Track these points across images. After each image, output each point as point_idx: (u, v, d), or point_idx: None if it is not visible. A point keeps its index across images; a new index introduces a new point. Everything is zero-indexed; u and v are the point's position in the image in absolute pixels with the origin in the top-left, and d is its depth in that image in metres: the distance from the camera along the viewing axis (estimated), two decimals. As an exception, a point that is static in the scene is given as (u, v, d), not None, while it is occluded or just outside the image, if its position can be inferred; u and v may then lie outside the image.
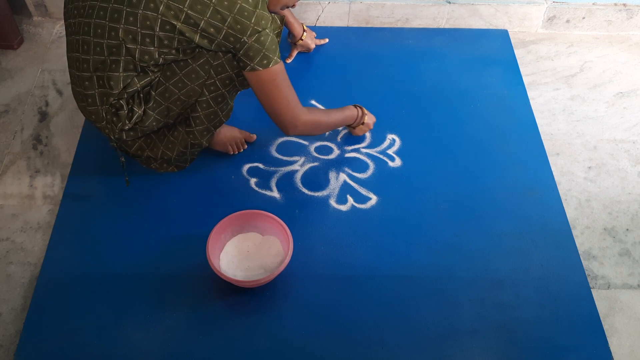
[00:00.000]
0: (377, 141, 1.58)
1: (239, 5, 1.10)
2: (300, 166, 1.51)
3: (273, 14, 1.25)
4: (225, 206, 1.39)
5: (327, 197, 1.45)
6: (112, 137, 1.28)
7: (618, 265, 1.37)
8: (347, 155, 1.54)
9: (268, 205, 1.42)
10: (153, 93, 1.23)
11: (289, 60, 1.76)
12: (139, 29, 1.11)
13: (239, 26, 1.10)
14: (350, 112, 1.46)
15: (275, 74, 1.19)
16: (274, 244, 1.33)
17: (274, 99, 1.23)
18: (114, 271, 1.30)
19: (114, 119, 1.23)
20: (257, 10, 1.11)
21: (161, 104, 1.24)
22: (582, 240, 1.41)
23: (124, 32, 1.12)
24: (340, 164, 1.52)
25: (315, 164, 1.52)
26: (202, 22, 1.09)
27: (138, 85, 1.20)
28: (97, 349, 1.19)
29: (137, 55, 1.14)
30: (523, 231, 1.40)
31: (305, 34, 1.71)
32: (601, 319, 1.27)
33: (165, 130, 1.35)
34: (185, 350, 1.19)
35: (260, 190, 1.46)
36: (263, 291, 1.28)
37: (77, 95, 1.26)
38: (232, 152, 1.50)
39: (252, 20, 1.11)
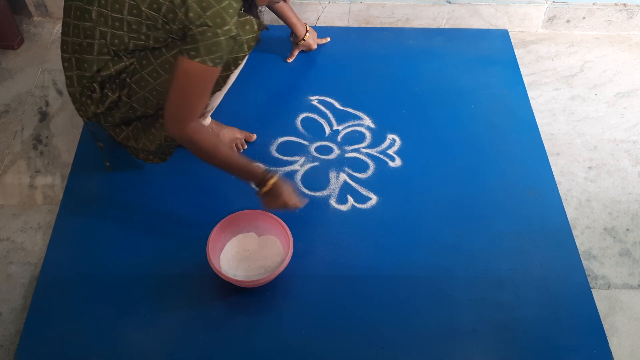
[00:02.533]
0: (377, 141, 1.58)
1: None
2: (300, 166, 1.51)
3: (248, 18, 1.21)
4: (226, 206, 1.39)
5: (327, 197, 1.45)
6: (85, 120, 1.30)
7: (618, 265, 1.37)
8: (347, 155, 1.54)
9: (268, 205, 1.42)
10: (129, 80, 1.23)
11: (290, 60, 1.76)
12: (109, 12, 1.12)
13: (191, 14, 1.06)
14: (248, 168, 1.25)
15: (194, 72, 1.11)
16: (274, 244, 1.33)
17: (177, 92, 1.14)
18: (114, 271, 1.30)
19: (88, 101, 1.25)
20: (218, 7, 1.06)
21: (137, 92, 1.25)
22: (582, 240, 1.41)
23: (97, 14, 1.13)
24: (340, 163, 1.52)
25: (316, 163, 1.52)
26: (164, 6, 1.08)
27: (112, 70, 1.21)
28: (97, 349, 1.19)
29: (108, 39, 1.16)
30: (523, 231, 1.40)
31: (308, 34, 1.71)
32: (601, 319, 1.27)
33: (150, 121, 1.36)
34: (185, 350, 1.19)
35: (260, 190, 1.46)
36: (263, 291, 1.28)
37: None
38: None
39: (208, 13, 1.06)
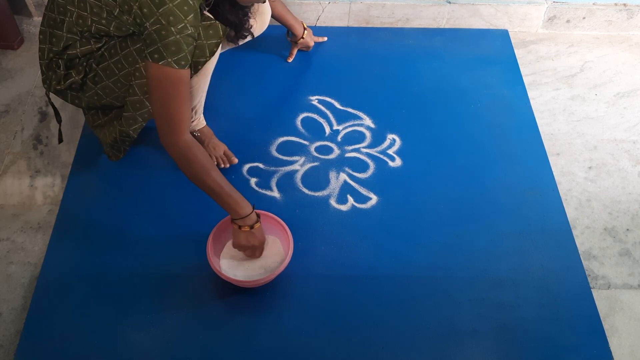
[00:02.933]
0: (377, 141, 1.58)
1: None
2: (300, 166, 1.51)
3: (213, 23, 1.20)
4: (226, 206, 1.39)
5: (327, 197, 1.45)
6: (46, 93, 1.34)
7: (618, 265, 1.37)
8: (347, 155, 1.54)
9: (268, 205, 1.42)
10: (94, 66, 1.25)
11: (289, 60, 1.76)
12: None
13: (145, 10, 1.06)
14: (237, 203, 1.19)
15: (164, 76, 1.09)
16: (274, 244, 1.33)
17: (156, 101, 1.13)
18: (114, 271, 1.30)
19: (53, 75, 1.28)
20: (170, 4, 1.06)
21: (103, 80, 1.27)
22: (582, 240, 1.41)
23: None
24: (340, 163, 1.52)
25: (316, 163, 1.52)
26: None
27: (78, 51, 1.24)
28: (97, 349, 1.19)
29: (74, 18, 1.18)
30: (523, 231, 1.40)
31: (305, 32, 1.71)
32: (601, 319, 1.27)
33: (118, 114, 1.37)
34: (185, 350, 1.19)
35: (260, 190, 1.46)
36: (263, 291, 1.28)
37: None
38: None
39: (160, 10, 1.05)
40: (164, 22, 1.06)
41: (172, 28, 1.07)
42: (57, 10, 1.20)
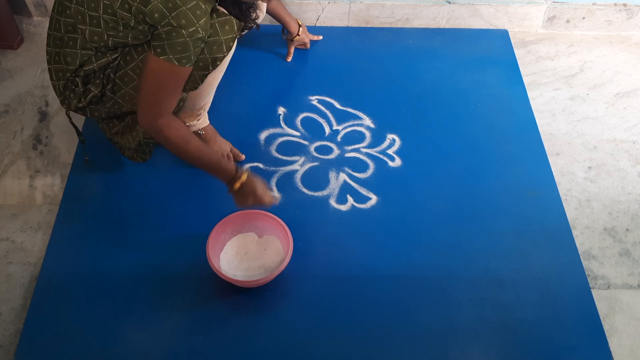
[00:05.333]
0: (377, 141, 1.58)
1: None
2: (300, 166, 1.51)
3: (228, 18, 1.20)
4: (225, 206, 1.39)
5: (327, 197, 1.45)
6: (67, 112, 1.32)
7: (618, 265, 1.37)
8: (347, 155, 1.54)
9: (268, 205, 1.42)
10: (113, 76, 1.25)
11: (288, 59, 1.76)
12: (86, 11, 1.13)
13: (156, 15, 1.07)
14: (219, 164, 1.24)
15: (160, 69, 1.12)
16: (274, 244, 1.33)
17: (146, 87, 1.16)
18: (114, 271, 1.30)
19: (71, 95, 1.27)
20: (183, 7, 1.06)
21: (122, 88, 1.26)
22: (582, 240, 1.41)
23: (75, 12, 1.15)
24: (340, 163, 1.52)
25: (315, 163, 1.52)
26: (133, 7, 1.09)
27: (94, 65, 1.22)
28: (97, 348, 1.19)
29: (87, 36, 1.17)
30: (523, 231, 1.40)
31: (300, 28, 1.71)
32: (601, 319, 1.27)
33: (130, 119, 1.37)
34: (185, 350, 1.19)
35: (260, 190, 1.46)
36: (263, 291, 1.28)
37: None
38: None
39: (172, 14, 1.06)
40: (175, 25, 1.07)
41: (183, 31, 1.08)
42: (65, 29, 1.19)
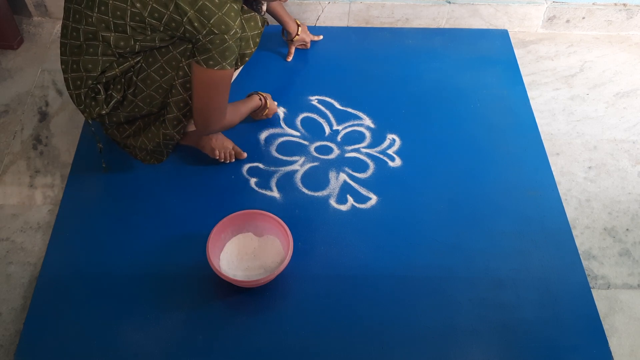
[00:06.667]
0: (377, 141, 1.58)
1: (201, 2, 1.09)
2: (300, 166, 1.51)
3: (252, 14, 1.22)
4: (225, 206, 1.39)
5: (327, 197, 1.45)
6: (89, 122, 1.31)
7: (618, 265, 1.37)
8: (347, 155, 1.54)
9: (268, 205, 1.42)
10: (135, 79, 1.24)
11: (289, 59, 1.76)
12: (110, 19, 1.13)
13: (196, 24, 1.10)
14: (255, 103, 1.49)
15: (216, 78, 1.20)
16: (274, 244, 1.33)
17: (204, 98, 1.24)
18: (114, 271, 1.30)
19: (93, 103, 1.26)
20: (219, 13, 1.09)
21: (143, 91, 1.26)
22: (582, 240, 1.41)
23: (97, 20, 1.15)
24: (340, 163, 1.52)
25: (315, 163, 1.52)
26: (165, 16, 1.10)
27: (117, 70, 1.22)
28: (97, 348, 1.19)
29: (112, 42, 1.17)
30: (523, 231, 1.40)
31: (300, 28, 1.71)
32: (601, 319, 1.27)
33: (151, 120, 1.37)
34: (185, 350, 1.19)
35: (260, 190, 1.46)
36: (263, 291, 1.28)
37: None
38: (220, 159, 1.47)
39: (211, 22, 1.09)
40: (217, 32, 1.11)
41: (226, 36, 1.12)
42: (85, 37, 1.18)
